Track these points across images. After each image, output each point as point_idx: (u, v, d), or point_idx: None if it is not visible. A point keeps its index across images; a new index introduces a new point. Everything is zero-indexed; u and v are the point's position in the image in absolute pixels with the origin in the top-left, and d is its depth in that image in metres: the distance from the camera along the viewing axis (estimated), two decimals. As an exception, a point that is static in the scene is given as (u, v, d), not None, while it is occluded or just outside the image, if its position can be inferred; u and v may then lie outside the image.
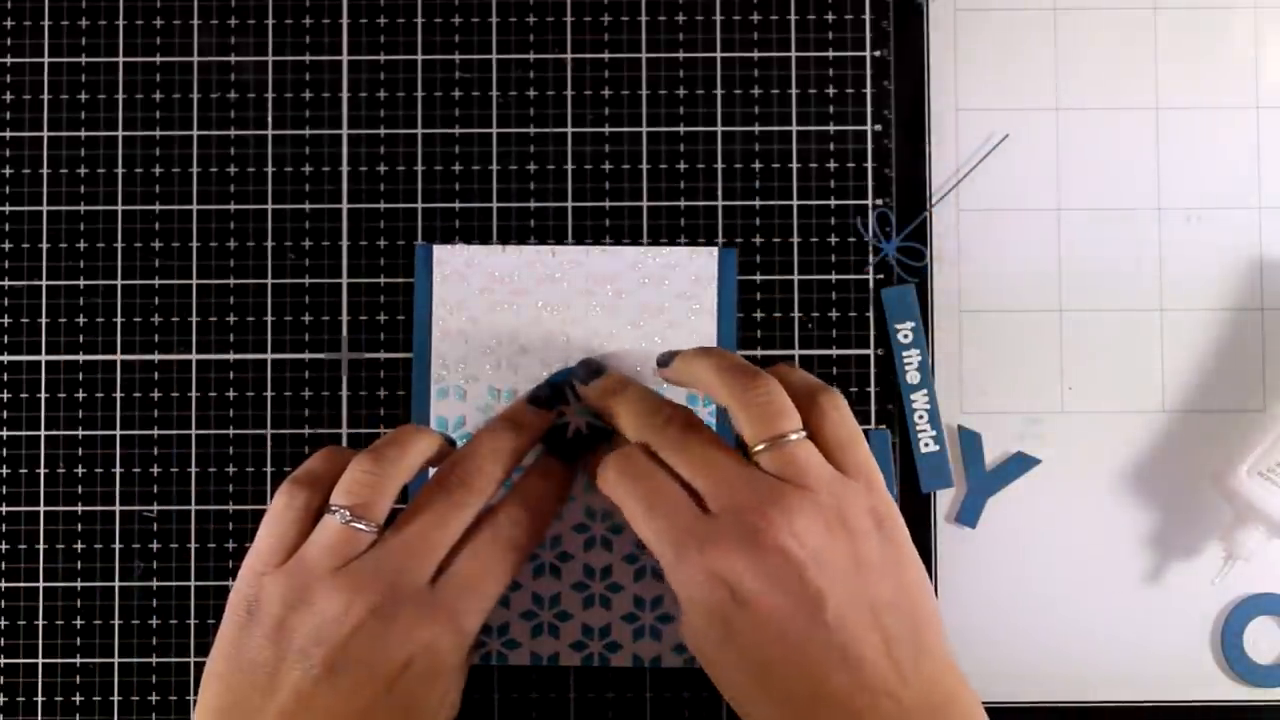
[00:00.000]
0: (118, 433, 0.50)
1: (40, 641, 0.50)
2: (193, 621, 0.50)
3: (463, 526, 0.42)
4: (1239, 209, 0.51)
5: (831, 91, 0.51)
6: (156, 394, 0.50)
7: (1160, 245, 0.51)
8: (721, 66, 0.51)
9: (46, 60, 0.51)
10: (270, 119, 0.51)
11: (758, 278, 0.51)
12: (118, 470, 0.50)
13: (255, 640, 0.40)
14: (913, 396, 0.50)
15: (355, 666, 0.39)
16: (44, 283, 0.51)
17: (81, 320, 0.51)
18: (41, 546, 0.50)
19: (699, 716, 0.50)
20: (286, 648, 0.40)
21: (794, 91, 0.51)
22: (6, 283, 0.51)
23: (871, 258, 0.51)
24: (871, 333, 0.50)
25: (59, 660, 0.50)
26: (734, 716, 0.49)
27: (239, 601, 0.41)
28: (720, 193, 0.51)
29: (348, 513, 0.41)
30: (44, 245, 0.51)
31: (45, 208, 0.51)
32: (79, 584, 0.50)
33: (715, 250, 0.50)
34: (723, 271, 0.50)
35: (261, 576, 0.41)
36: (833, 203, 0.51)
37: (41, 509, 0.50)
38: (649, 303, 0.50)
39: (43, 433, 0.50)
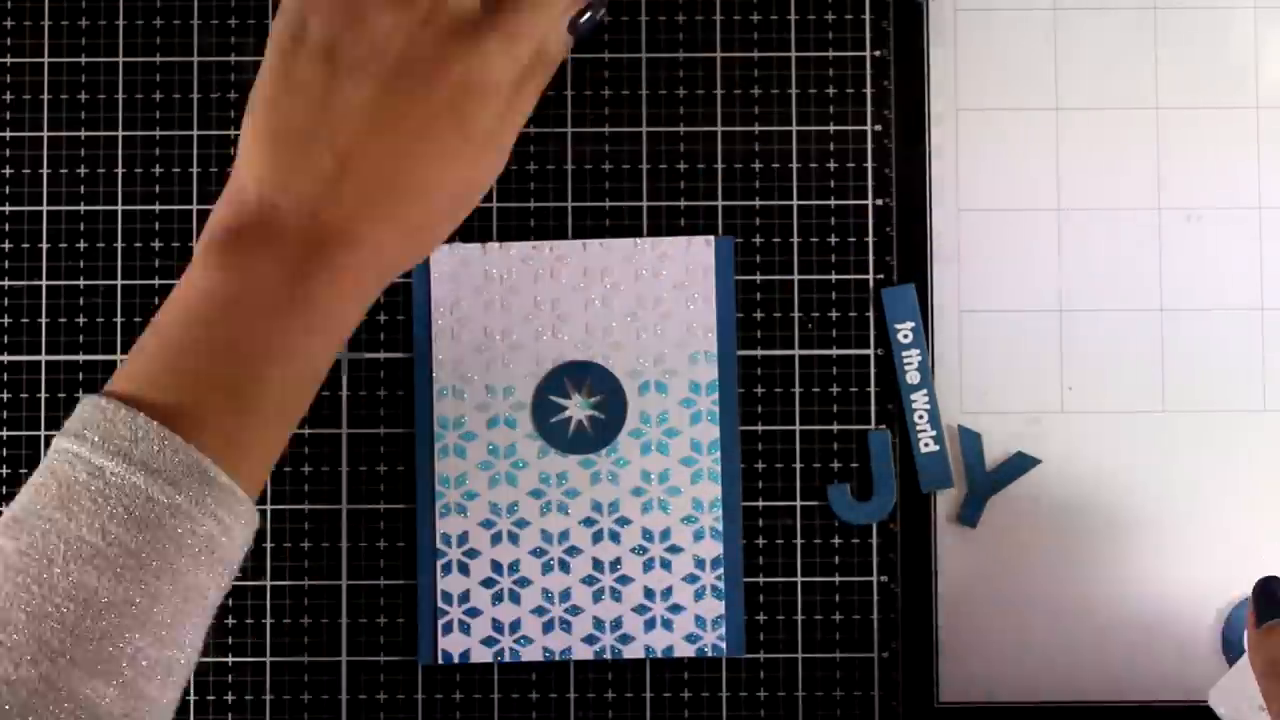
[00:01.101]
0: (117, 433, 0.50)
1: (40, 641, 0.50)
2: (192, 621, 0.50)
3: None
4: (1239, 209, 0.51)
5: (831, 91, 0.51)
6: (156, 394, 0.50)
7: (1160, 245, 0.51)
8: (721, 66, 0.51)
9: (46, 60, 0.51)
10: (270, 119, 0.51)
11: (757, 277, 0.50)
12: (117, 470, 0.50)
13: (303, 63, 0.39)
14: (913, 396, 0.50)
15: (410, 80, 0.39)
16: (44, 283, 0.51)
17: (81, 320, 0.51)
18: (41, 546, 0.50)
19: (699, 713, 0.50)
20: (338, 66, 0.39)
21: (794, 91, 0.51)
22: (6, 283, 0.51)
23: (871, 257, 0.51)
24: (871, 333, 0.50)
25: (58, 660, 0.50)
26: (733, 708, 0.50)
27: (283, 31, 0.40)
28: (720, 192, 0.51)
29: None
30: (44, 245, 0.51)
31: (45, 208, 0.51)
32: (79, 584, 0.50)
33: (711, 239, 0.50)
34: (720, 261, 0.50)
35: (305, 3, 0.40)
36: (833, 202, 0.51)
37: (41, 509, 0.50)
38: (645, 295, 0.50)
39: (43, 432, 0.50)
